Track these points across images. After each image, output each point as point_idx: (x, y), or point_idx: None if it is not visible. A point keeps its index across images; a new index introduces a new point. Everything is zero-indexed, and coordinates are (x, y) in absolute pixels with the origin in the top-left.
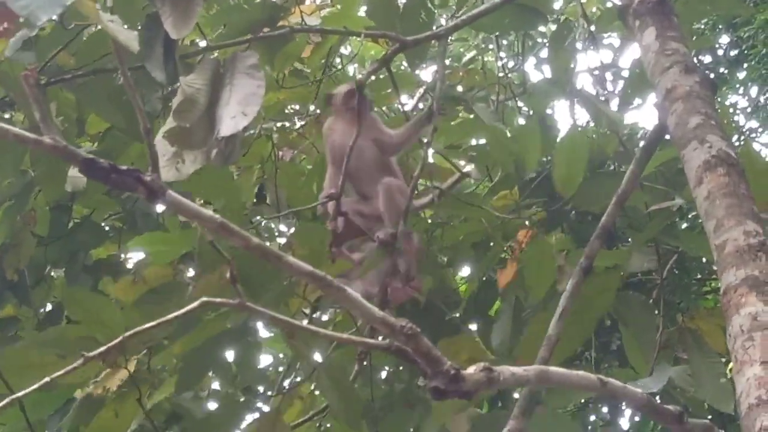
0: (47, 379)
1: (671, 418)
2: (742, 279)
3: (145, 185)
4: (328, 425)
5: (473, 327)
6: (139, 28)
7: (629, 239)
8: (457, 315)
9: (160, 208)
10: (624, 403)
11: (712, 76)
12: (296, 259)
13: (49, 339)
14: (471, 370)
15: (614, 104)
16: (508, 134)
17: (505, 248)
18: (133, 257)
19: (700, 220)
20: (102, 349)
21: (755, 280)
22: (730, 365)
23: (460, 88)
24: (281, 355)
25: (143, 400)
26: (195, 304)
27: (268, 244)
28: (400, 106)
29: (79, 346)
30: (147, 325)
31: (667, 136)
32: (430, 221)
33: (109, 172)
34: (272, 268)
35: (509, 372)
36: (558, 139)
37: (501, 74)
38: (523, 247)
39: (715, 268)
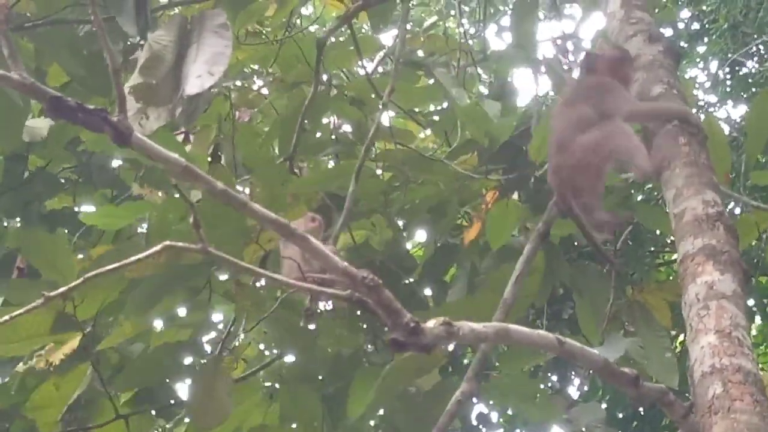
0: (7, 317)
1: (627, 381)
2: (699, 248)
3: (111, 126)
4: (276, 385)
5: (428, 292)
6: None
7: None
8: (413, 280)
9: (116, 162)
10: (580, 365)
11: None
12: (257, 203)
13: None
14: (431, 323)
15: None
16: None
17: (461, 214)
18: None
19: (656, 193)
20: (63, 289)
21: (712, 250)
22: (680, 338)
23: (420, 53)
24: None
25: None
26: (158, 247)
27: None
28: (361, 68)
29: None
30: (109, 267)
31: None
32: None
33: (76, 111)
34: (235, 216)
35: (468, 327)
36: (520, 105)
37: (462, 40)
38: (490, 207)
39: (669, 241)
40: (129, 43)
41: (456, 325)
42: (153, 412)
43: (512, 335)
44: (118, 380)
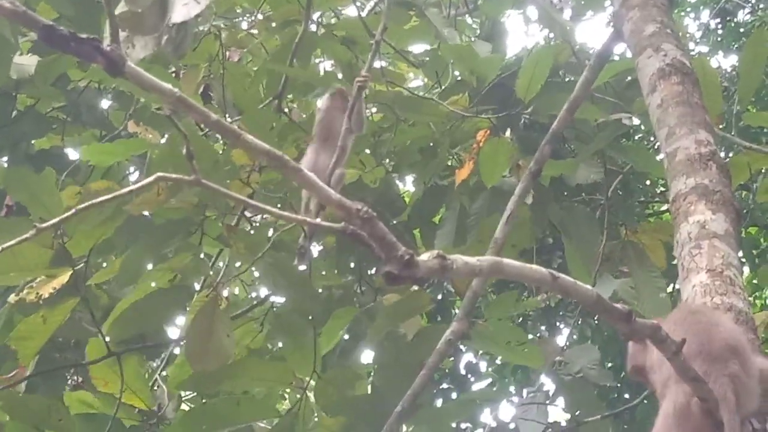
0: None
1: (619, 316)
2: (692, 187)
3: (104, 55)
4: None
5: (417, 233)
6: None
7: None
8: (397, 222)
9: (105, 104)
10: (573, 303)
11: None
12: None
13: None
14: (425, 257)
15: (567, 15)
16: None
17: (451, 155)
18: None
19: (645, 142)
20: (55, 220)
21: (705, 189)
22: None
23: None
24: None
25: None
26: (151, 178)
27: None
28: (355, 9)
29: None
30: (99, 199)
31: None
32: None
33: (68, 40)
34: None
35: (462, 261)
36: (512, 49)
37: None
38: (481, 146)
39: (659, 191)
40: None
41: (450, 258)
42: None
43: (505, 269)
44: (112, 329)
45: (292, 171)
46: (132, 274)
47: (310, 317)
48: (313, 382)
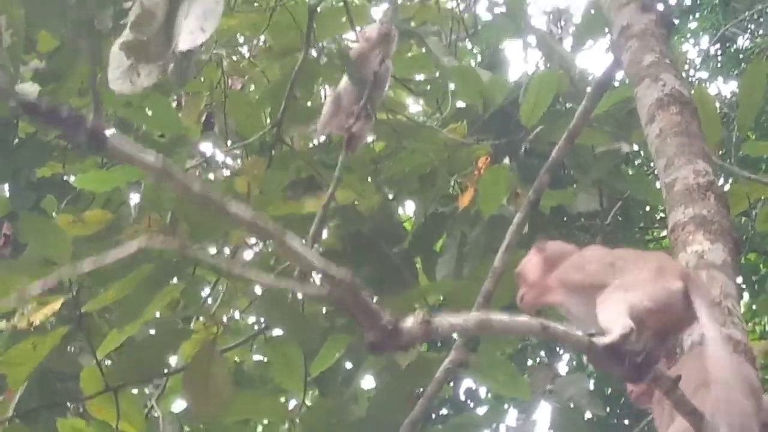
0: None
1: (612, 360)
2: (690, 217)
3: (86, 130)
4: (264, 359)
5: (417, 262)
6: None
7: (575, 185)
8: (398, 250)
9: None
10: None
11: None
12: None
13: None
14: (409, 323)
15: (567, 46)
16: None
17: (451, 182)
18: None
19: (645, 168)
20: (52, 276)
21: (703, 219)
22: None
23: (412, 23)
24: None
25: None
26: (134, 245)
27: (212, 176)
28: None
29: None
30: (87, 259)
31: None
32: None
33: (50, 116)
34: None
35: (448, 323)
36: (512, 77)
37: (456, 8)
38: (482, 172)
39: (658, 217)
40: (121, 8)
41: (434, 322)
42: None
43: (495, 325)
44: (116, 367)
45: (278, 240)
46: (132, 312)
47: (304, 347)
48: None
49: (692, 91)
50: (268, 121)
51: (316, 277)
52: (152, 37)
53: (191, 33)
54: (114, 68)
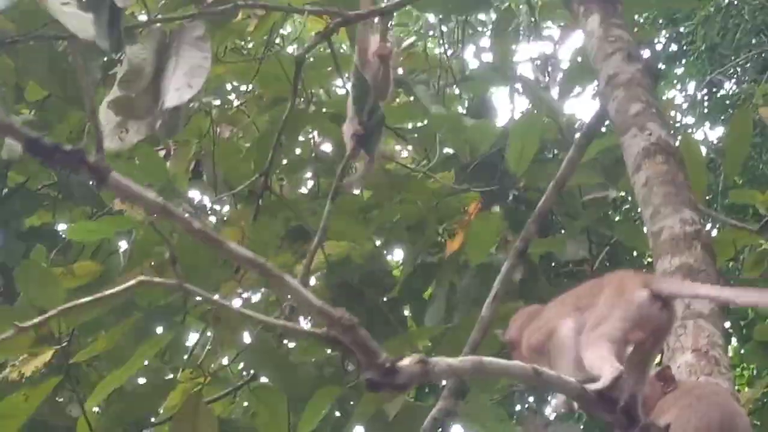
0: None
1: (603, 408)
2: (677, 266)
3: (88, 166)
4: (245, 404)
5: (407, 310)
6: None
7: (562, 230)
8: (387, 298)
9: None
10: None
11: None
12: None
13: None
14: (406, 362)
15: (554, 93)
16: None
17: (440, 232)
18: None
19: (633, 213)
20: (37, 320)
21: (690, 268)
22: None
23: (400, 71)
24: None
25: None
26: (132, 282)
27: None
28: (340, 84)
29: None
30: (83, 300)
31: (608, 123)
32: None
33: (52, 152)
34: (209, 253)
35: (445, 363)
36: (499, 125)
37: (443, 55)
38: (472, 218)
39: (647, 262)
40: (110, 58)
41: (431, 362)
42: None
43: (488, 368)
44: (105, 418)
45: (275, 278)
46: (121, 361)
47: (290, 396)
48: None
49: (679, 137)
50: (254, 168)
51: (303, 322)
52: (140, 94)
53: (178, 89)
54: (103, 125)
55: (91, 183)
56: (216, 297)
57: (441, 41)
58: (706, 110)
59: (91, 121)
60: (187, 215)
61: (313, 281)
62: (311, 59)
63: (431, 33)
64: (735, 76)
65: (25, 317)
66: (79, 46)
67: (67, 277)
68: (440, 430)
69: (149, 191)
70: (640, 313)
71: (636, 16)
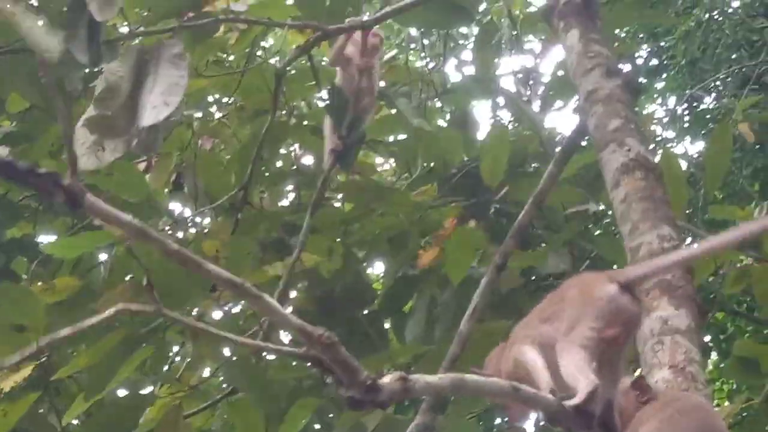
0: None
1: (581, 424)
2: (654, 283)
3: (63, 189)
4: (225, 416)
5: (387, 323)
6: (64, 9)
7: (543, 244)
8: (368, 311)
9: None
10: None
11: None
12: (215, 265)
13: None
14: (387, 379)
15: (536, 106)
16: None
17: (422, 244)
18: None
19: (613, 227)
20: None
21: (668, 285)
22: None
23: (382, 84)
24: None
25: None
26: (111, 310)
27: (181, 236)
28: (319, 99)
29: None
30: (64, 331)
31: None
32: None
33: (26, 175)
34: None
35: (424, 381)
36: (479, 138)
37: (424, 68)
38: (449, 233)
39: None
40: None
41: (411, 379)
42: None
43: (468, 384)
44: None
45: (254, 298)
46: (102, 378)
47: (267, 411)
48: None
49: (660, 152)
50: (235, 180)
51: (284, 338)
52: (116, 112)
53: (155, 107)
54: (79, 144)
55: (66, 206)
56: (195, 312)
57: (423, 54)
58: (686, 125)
59: (66, 144)
60: (164, 237)
61: (294, 293)
62: (293, 72)
63: (413, 46)
64: (715, 90)
65: (3, 336)
66: (50, 64)
67: (47, 292)
68: None
69: (125, 215)
70: (610, 308)
71: (617, 30)
